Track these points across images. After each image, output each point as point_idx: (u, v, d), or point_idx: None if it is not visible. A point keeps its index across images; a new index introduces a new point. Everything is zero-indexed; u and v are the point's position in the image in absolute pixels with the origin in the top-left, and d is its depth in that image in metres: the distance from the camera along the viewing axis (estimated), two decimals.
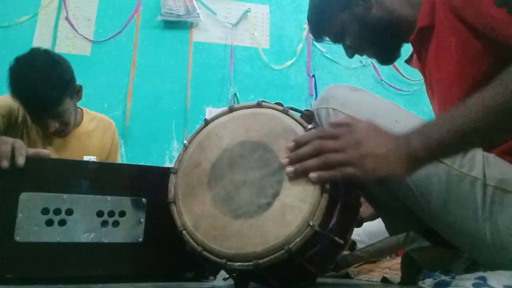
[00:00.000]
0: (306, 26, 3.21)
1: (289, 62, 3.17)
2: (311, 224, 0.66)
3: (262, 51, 3.15)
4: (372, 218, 1.16)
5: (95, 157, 1.54)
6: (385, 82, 3.29)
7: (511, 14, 0.68)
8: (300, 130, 0.73)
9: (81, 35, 2.89)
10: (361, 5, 0.95)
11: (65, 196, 0.83)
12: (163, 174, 0.82)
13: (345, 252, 1.21)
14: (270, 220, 0.68)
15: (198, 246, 0.72)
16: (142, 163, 2.73)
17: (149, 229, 0.88)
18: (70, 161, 0.90)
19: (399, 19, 0.93)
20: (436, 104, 0.91)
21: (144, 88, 2.91)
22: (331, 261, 0.80)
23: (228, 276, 0.82)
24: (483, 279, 0.63)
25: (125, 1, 3.03)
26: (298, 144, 0.70)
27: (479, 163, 0.72)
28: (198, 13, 3.06)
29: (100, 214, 0.85)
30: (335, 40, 1.05)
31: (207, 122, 0.82)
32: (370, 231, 1.24)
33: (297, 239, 0.66)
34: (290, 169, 0.69)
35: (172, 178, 0.80)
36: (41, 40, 2.79)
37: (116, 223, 0.86)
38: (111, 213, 0.86)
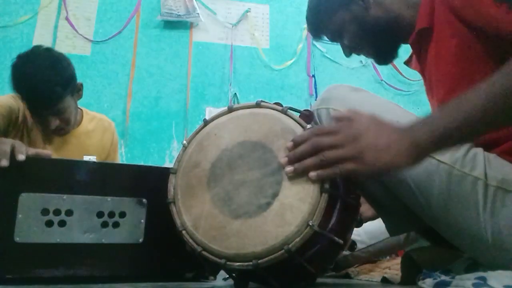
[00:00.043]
0: (306, 26, 3.20)
1: (289, 62, 3.17)
2: (310, 224, 0.66)
3: (262, 51, 3.15)
4: (373, 218, 1.16)
5: (95, 157, 1.54)
6: (385, 82, 3.29)
7: None
8: (299, 130, 0.73)
9: (81, 35, 2.89)
10: (360, 5, 0.95)
11: (65, 196, 0.83)
12: (163, 174, 0.81)
13: (345, 252, 1.21)
14: (270, 220, 0.68)
15: (197, 246, 0.72)
16: (142, 163, 2.76)
17: (150, 230, 0.88)
18: (70, 162, 0.90)
19: (397, 20, 0.93)
20: (436, 106, 0.91)
21: (144, 88, 2.91)
22: (331, 261, 0.80)
23: (227, 276, 0.82)
24: (483, 279, 0.63)
25: (125, 1, 3.03)
26: (296, 144, 0.69)
27: (480, 163, 0.72)
28: (198, 13, 3.06)
29: (100, 214, 0.85)
30: (333, 39, 1.04)
31: (206, 122, 0.82)
32: (370, 231, 1.24)
33: (297, 239, 0.66)
34: (289, 169, 0.68)
35: (171, 178, 0.80)
36: (41, 40, 2.78)
37: (116, 224, 0.86)
38: (111, 214, 0.86)
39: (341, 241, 0.71)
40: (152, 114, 2.88)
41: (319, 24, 1.05)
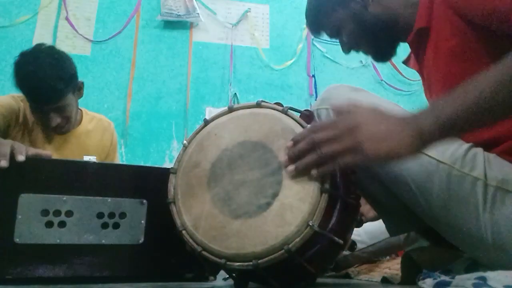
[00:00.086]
0: (306, 26, 3.20)
1: (289, 62, 3.17)
2: (310, 224, 0.66)
3: (262, 51, 3.15)
4: (375, 219, 1.16)
5: (95, 157, 1.54)
6: (385, 82, 3.29)
7: None
8: (299, 130, 0.73)
9: (81, 35, 2.89)
10: (359, 3, 0.95)
11: (65, 197, 0.83)
12: (163, 175, 0.81)
13: (346, 252, 1.21)
14: (270, 220, 0.68)
15: (197, 246, 0.72)
16: (142, 163, 2.76)
17: (150, 230, 0.88)
18: (70, 162, 0.90)
19: (396, 18, 0.93)
20: None
21: (144, 88, 2.91)
22: (331, 261, 0.80)
23: (227, 276, 0.82)
24: (483, 279, 0.63)
25: (125, 1, 3.03)
26: (296, 142, 0.69)
27: (480, 163, 0.72)
28: (198, 13, 3.06)
29: (100, 215, 0.85)
30: (332, 36, 1.05)
31: (206, 122, 0.82)
32: (370, 231, 1.24)
33: (297, 239, 0.66)
34: (290, 168, 0.68)
35: (171, 178, 0.80)
36: (41, 40, 2.76)
37: (116, 225, 0.86)
38: (111, 215, 0.86)
39: (341, 241, 0.71)
40: (152, 114, 2.88)
41: (318, 21, 1.05)
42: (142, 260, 0.88)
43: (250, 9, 3.23)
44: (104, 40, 2.93)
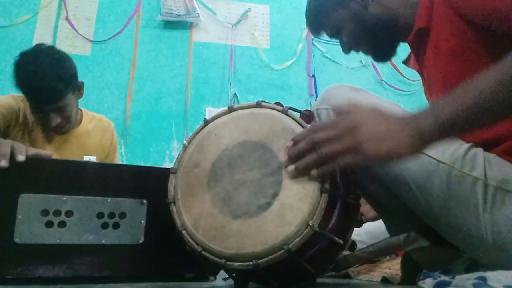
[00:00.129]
0: (306, 26, 3.20)
1: (289, 62, 3.17)
2: (310, 224, 0.66)
3: (262, 51, 3.15)
4: (375, 219, 1.16)
5: (95, 157, 1.54)
6: (385, 82, 3.29)
7: None
8: (299, 130, 0.73)
9: (81, 35, 2.89)
10: (359, 3, 0.95)
11: (65, 197, 0.83)
12: (163, 175, 0.81)
13: (346, 252, 1.21)
14: (270, 220, 0.68)
15: (197, 246, 0.72)
16: (142, 163, 2.76)
17: (150, 230, 0.88)
18: (70, 162, 0.90)
19: (396, 18, 0.93)
20: None
21: (144, 88, 2.91)
22: (331, 261, 0.80)
23: (227, 276, 0.82)
24: (483, 279, 0.63)
25: (125, 1, 3.03)
26: (296, 142, 0.69)
27: (480, 163, 0.72)
28: (198, 13, 3.06)
29: (100, 215, 0.85)
30: (332, 36, 1.04)
31: (206, 122, 0.82)
32: (370, 231, 1.24)
33: (297, 239, 0.66)
34: (290, 168, 0.68)
35: (171, 178, 0.80)
36: (41, 40, 2.76)
37: (116, 225, 0.86)
38: (111, 215, 0.86)
39: (341, 241, 0.71)
40: (152, 114, 2.88)
41: (318, 21, 1.05)
42: (142, 260, 0.88)
43: (250, 9, 3.23)
44: (104, 40, 2.93)
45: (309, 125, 0.73)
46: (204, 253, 0.71)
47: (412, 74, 3.17)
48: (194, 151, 0.80)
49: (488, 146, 0.75)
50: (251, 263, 0.67)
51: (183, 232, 0.74)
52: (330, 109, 0.82)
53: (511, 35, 0.71)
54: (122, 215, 0.87)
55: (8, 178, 0.81)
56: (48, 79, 1.31)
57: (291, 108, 0.77)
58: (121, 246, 0.86)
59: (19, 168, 0.81)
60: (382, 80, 3.28)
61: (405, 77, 3.27)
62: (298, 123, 0.74)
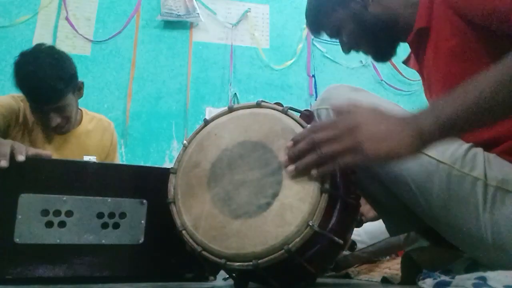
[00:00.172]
0: (306, 26, 3.20)
1: (289, 62, 3.17)
2: (310, 224, 0.66)
3: (262, 51, 3.15)
4: (375, 219, 1.16)
5: (95, 157, 1.54)
6: (385, 82, 3.29)
7: None
8: (299, 130, 0.73)
9: (81, 35, 2.89)
10: (359, 2, 0.95)
11: (65, 197, 0.83)
12: (164, 175, 0.81)
13: (346, 252, 1.21)
14: (270, 220, 0.68)
15: (197, 246, 0.72)
16: (142, 163, 2.76)
17: (150, 230, 0.88)
18: (70, 162, 0.90)
19: (396, 18, 0.93)
20: None
21: (144, 88, 2.91)
22: (331, 261, 0.80)
23: (227, 276, 0.82)
24: (483, 279, 0.63)
25: (125, 1, 3.03)
26: (296, 142, 0.69)
27: (480, 163, 0.72)
28: (198, 13, 3.06)
29: (100, 215, 0.85)
30: (332, 36, 1.04)
31: (206, 122, 0.82)
32: (370, 231, 1.24)
33: (297, 239, 0.66)
34: (290, 168, 0.68)
35: (171, 178, 0.80)
36: (41, 40, 2.76)
37: (116, 225, 0.86)
38: (111, 215, 0.86)
39: (341, 241, 0.71)
40: (152, 114, 2.88)
41: (318, 21, 1.05)
42: (142, 260, 0.88)
43: (250, 9, 3.23)
44: (104, 40, 2.93)
45: (309, 125, 0.73)
46: (204, 253, 0.71)
47: (412, 74, 3.17)
48: (194, 151, 0.80)
49: (488, 146, 0.75)
50: (251, 263, 0.67)
51: (183, 232, 0.74)
52: (330, 109, 0.82)
53: (511, 35, 0.71)
54: (122, 215, 0.87)
55: (8, 178, 0.81)
56: (48, 79, 1.31)
57: (291, 108, 0.77)
58: (121, 246, 0.86)
59: (19, 168, 0.81)
60: (382, 80, 3.28)
61: (405, 77, 3.27)
62: (298, 123, 0.74)
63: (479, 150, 0.74)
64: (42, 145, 1.48)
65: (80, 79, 1.49)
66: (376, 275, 1.10)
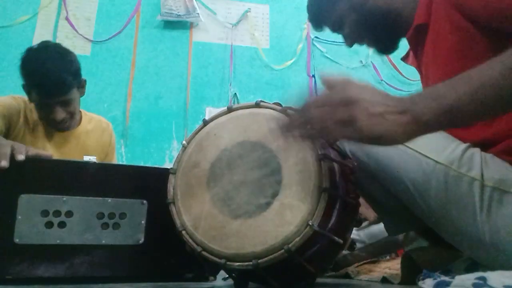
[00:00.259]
0: (306, 26, 3.21)
1: (289, 62, 3.17)
2: (310, 223, 0.66)
3: (262, 51, 3.15)
4: (375, 222, 1.16)
5: (95, 157, 1.55)
6: (385, 82, 3.28)
7: None
8: None
9: (81, 35, 2.89)
10: None
11: (65, 198, 0.83)
12: (163, 175, 0.81)
13: (345, 252, 1.21)
14: (269, 220, 0.68)
15: (197, 246, 0.72)
16: (142, 163, 2.76)
17: (150, 230, 0.88)
18: (70, 162, 0.90)
19: (396, 13, 0.92)
20: None
21: (144, 88, 2.91)
22: (330, 261, 0.80)
23: (227, 276, 0.82)
24: (483, 279, 0.63)
25: (125, 1, 3.03)
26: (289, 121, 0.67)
27: (477, 163, 0.72)
28: (198, 13, 3.06)
29: (100, 216, 0.85)
30: (334, 29, 1.04)
31: (205, 122, 0.82)
32: (370, 231, 1.24)
33: (297, 239, 0.66)
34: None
35: (171, 178, 0.80)
36: (41, 40, 2.78)
37: (116, 225, 0.86)
38: (111, 215, 0.86)
39: (340, 241, 0.71)
40: (152, 114, 2.88)
41: (320, 14, 1.04)
42: (142, 260, 0.88)
43: (250, 9, 3.23)
44: (104, 40, 2.93)
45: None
46: (204, 253, 0.72)
47: (412, 74, 3.17)
48: (193, 151, 0.80)
49: (485, 146, 0.75)
50: (251, 263, 0.67)
51: (183, 232, 0.74)
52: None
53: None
54: (122, 215, 0.87)
55: (8, 178, 0.81)
56: (57, 71, 1.34)
57: (291, 108, 0.77)
58: (121, 246, 0.86)
59: (19, 168, 0.81)
60: (382, 80, 3.28)
61: (405, 77, 3.27)
62: None
63: (476, 151, 0.74)
64: (42, 145, 1.48)
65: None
66: (376, 275, 1.09)
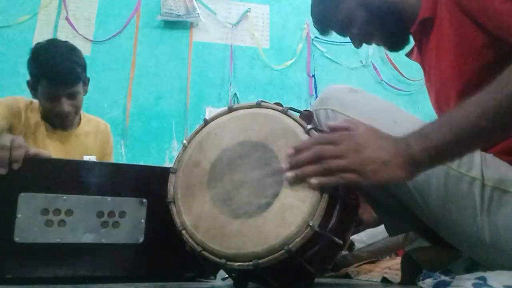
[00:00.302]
0: (306, 26, 3.21)
1: (289, 62, 3.17)
2: (310, 224, 0.66)
3: (262, 51, 3.15)
4: (376, 224, 1.16)
5: (95, 157, 1.56)
6: (385, 82, 3.28)
7: None
8: (299, 130, 0.73)
9: (81, 35, 2.89)
10: None
11: (65, 196, 0.83)
12: (164, 174, 0.81)
13: (344, 252, 1.21)
14: (270, 220, 0.68)
15: (197, 246, 0.72)
16: (142, 163, 2.76)
17: (150, 230, 0.88)
18: (70, 162, 0.90)
19: (402, 7, 0.91)
20: (433, 97, 0.91)
21: (144, 88, 2.91)
22: (330, 261, 0.80)
23: (227, 276, 0.82)
24: (483, 279, 0.63)
25: (125, 1, 3.03)
26: (298, 150, 0.69)
27: (477, 163, 0.72)
28: (198, 13, 3.06)
29: (100, 214, 0.85)
30: (341, 30, 1.02)
31: (206, 122, 0.82)
32: (369, 231, 1.24)
33: (297, 239, 0.66)
34: (290, 174, 0.68)
35: (171, 177, 0.80)
36: (41, 40, 2.78)
37: (116, 224, 0.86)
38: (111, 214, 0.86)
39: (340, 242, 0.71)
40: (152, 114, 2.88)
41: (326, 16, 1.01)
42: (142, 260, 0.88)
43: (250, 9, 3.23)
44: (104, 40, 2.93)
45: (309, 125, 0.73)
46: (204, 253, 0.72)
47: (412, 74, 3.17)
48: (194, 151, 0.80)
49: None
50: (251, 263, 0.67)
51: (183, 232, 0.74)
52: (328, 110, 0.82)
53: (509, 40, 0.70)
54: (122, 214, 0.87)
55: (8, 177, 0.81)
56: (67, 61, 1.40)
57: (291, 108, 0.77)
58: (121, 245, 0.86)
59: (19, 167, 0.81)
60: (382, 80, 3.28)
61: (405, 77, 3.27)
62: (298, 123, 0.74)
63: (477, 150, 0.74)
64: (43, 145, 1.49)
65: None
66: (376, 275, 1.09)
